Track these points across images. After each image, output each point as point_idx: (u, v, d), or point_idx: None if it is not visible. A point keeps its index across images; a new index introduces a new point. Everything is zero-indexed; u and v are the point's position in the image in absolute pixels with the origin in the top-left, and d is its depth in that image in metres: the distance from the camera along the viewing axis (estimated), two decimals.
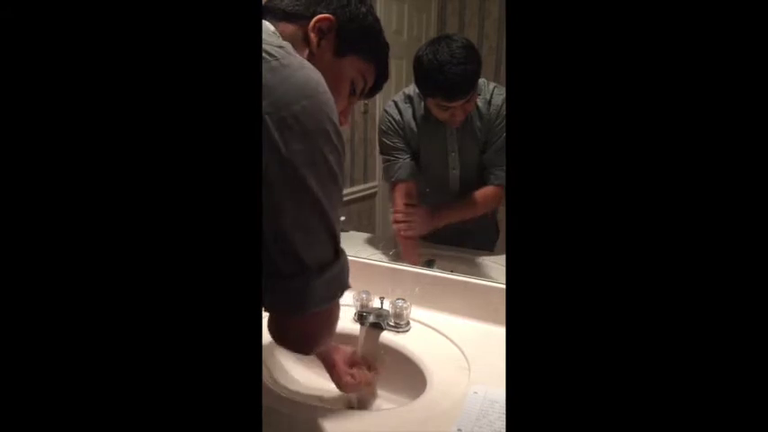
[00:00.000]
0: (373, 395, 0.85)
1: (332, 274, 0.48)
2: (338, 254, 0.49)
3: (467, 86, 0.93)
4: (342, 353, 0.80)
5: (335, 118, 0.46)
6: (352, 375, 0.80)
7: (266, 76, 0.41)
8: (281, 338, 0.52)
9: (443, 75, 0.90)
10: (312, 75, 0.45)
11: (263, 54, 0.42)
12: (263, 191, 0.40)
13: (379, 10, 1.13)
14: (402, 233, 1.07)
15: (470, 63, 0.91)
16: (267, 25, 0.52)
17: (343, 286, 0.51)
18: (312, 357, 0.81)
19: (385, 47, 0.63)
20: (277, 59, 0.43)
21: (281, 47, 0.45)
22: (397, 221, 1.08)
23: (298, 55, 0.46)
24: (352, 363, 0.82)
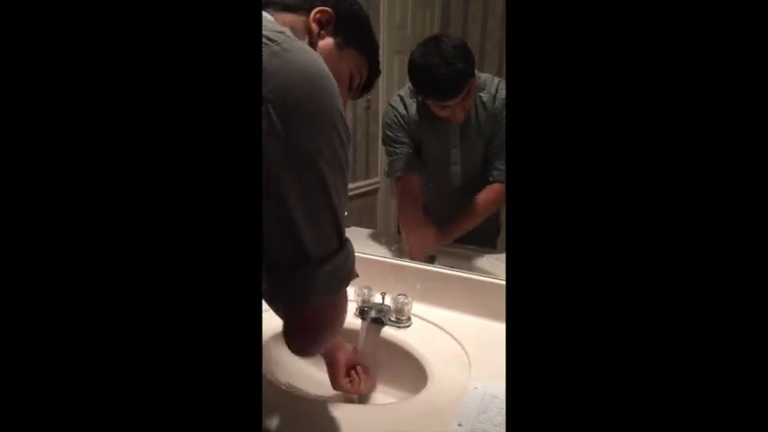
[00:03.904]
0: (373, 390, 0.85)
1: (335, 264, 0.46)
2: (342, 244, 0.47)
3: (457, 86, 0.92)
4: (344, 351, 0.80)
5: (339, 103, 0.45)
6: (351, 380, 0.80)
7: (267, 60, 0.40)
8: (284, 335, 0.50)
9: (433, 77, 0.91)
10: (314, 59, 0.44)
11: (264, 39, 0.41)
12: (266, 180, 0.39)
13: (383, 5, 1.13)
14: (413, 255, 1.08)
15: (460, 62, 0.90)
16: (264, 14, 0.51)
17: (348, 277, 0.49)
18: None
19: (376, 43, 0.64)
20: (278, 44, 0.41)
21: (280, 32, 0.43)
22: (408, 247, 1.10)
23: (298, 40, 0.45)
24: (352, 364, 0.81)
